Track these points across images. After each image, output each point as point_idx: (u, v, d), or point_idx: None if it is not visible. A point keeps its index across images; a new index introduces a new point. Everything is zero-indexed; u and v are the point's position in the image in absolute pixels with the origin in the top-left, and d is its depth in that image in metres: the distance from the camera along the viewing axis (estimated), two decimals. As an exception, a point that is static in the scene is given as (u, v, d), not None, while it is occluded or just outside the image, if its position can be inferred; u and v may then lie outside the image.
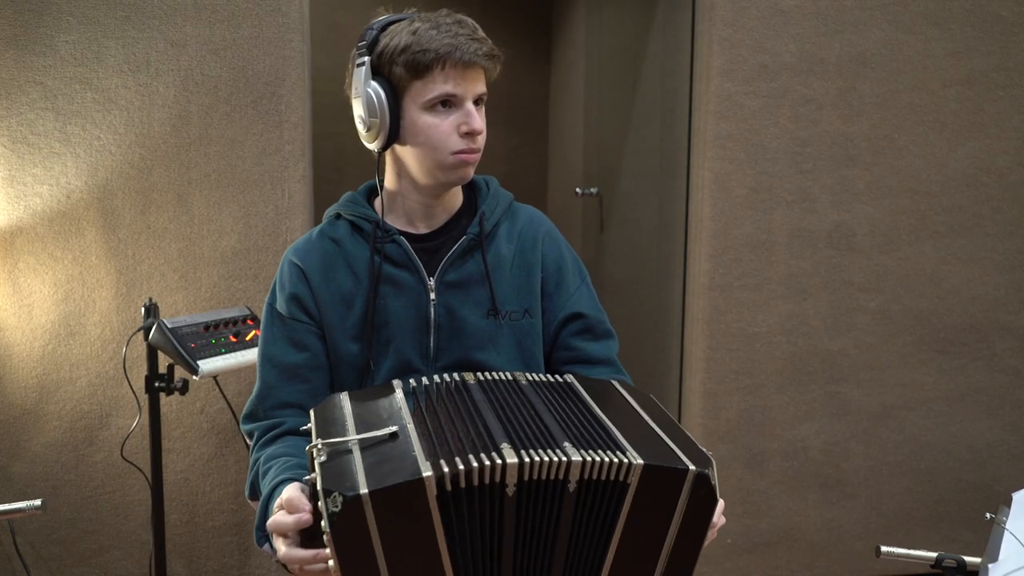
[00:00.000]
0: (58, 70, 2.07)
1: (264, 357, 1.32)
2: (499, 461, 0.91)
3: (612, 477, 0.95)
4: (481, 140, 1.27)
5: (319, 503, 0.89)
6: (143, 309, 1.95)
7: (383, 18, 1.27)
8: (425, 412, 1.05)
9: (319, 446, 0.95)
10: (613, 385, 1.22)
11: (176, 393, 1.94)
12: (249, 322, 2.02)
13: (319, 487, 0.89)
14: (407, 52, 1.21)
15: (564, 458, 0.93)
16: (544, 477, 0.94)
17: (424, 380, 1.14)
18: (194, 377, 1.84)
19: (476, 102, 1.26)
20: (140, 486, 2.20)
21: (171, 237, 2.15)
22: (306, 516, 0.96)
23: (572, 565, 1.00)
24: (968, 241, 2.49)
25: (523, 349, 1.34)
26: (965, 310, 2.52)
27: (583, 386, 1.17)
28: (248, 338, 1.98)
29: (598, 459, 0.94)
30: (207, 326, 1.93)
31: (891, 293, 2.48)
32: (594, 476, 0.95)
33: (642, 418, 1.09)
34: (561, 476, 0.94)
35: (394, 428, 0.97)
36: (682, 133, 2.49)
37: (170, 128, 2.12)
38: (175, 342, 1.85)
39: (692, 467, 0.95)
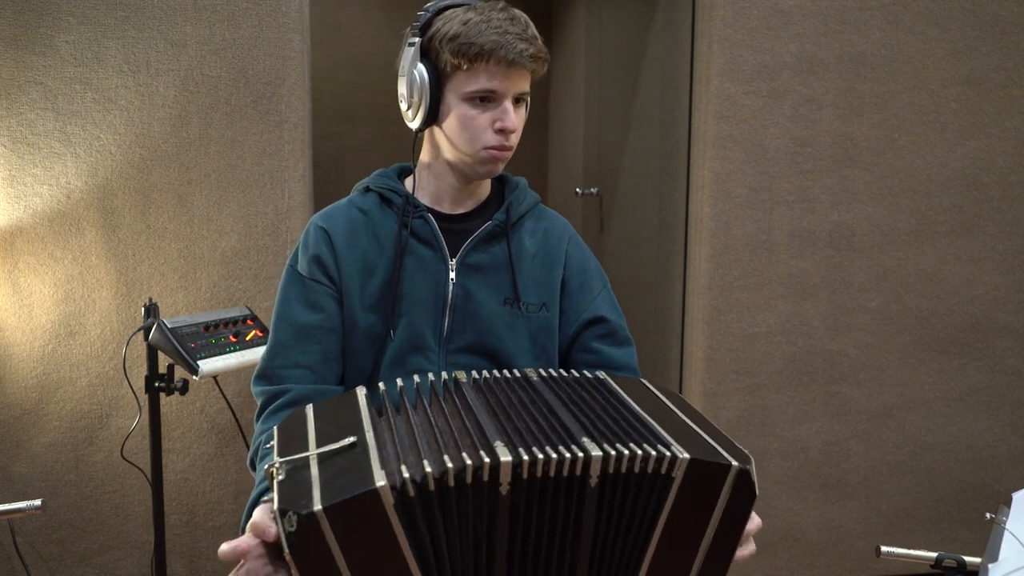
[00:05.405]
0: (58, 70, 2.07)
1: (279, 316, 1.33)
2: (487, 460, 0.87)
3: (655, 470, 0.92)
4: (514, 139, 1.28)
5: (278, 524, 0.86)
6: (143, 309, 1.95)
7: (439, 2, 1.28)
8: (393, 418, 1.01)
9: (278, 465, 0.91)
10: (643, 383, 1.21)
11: (176, 393, 1.94)
12: (249, 322, 2.02)
13: (275, 508, 0.86)
14: (455, 41, 1.22)
15: (580, 453, 0.89)
16: (552, 474, 0.90)
17: (399, 382, 1.11)
18: (194, 377, 1.84)
19: (517, 101, 1.28)
20: (140, 486, 2.20)
21: (171, 237, 2.15)
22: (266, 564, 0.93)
23: (603, 564, 0.96)
24: (968, 241, 2.49)
25: (536, 343, 1.35)
26: (965, 310, 2.51)
27: (617, 383, 1.15)
28: (248, 338, 1.98)
29: (627, 452, 0.90)
30: (207, 326, 1.93)
31: (891, 293, 2.47)
32: (634, 469, 0.91)
33: (677, 415, 1.08)
34: (578, 472, 0.90)
35: (353, 439, 0.94)
36: (682, 133, 2.49)
37: (170, 128, 2.12)
38: (175, 342, 1.85)
39: (735, 463, 0.93)
